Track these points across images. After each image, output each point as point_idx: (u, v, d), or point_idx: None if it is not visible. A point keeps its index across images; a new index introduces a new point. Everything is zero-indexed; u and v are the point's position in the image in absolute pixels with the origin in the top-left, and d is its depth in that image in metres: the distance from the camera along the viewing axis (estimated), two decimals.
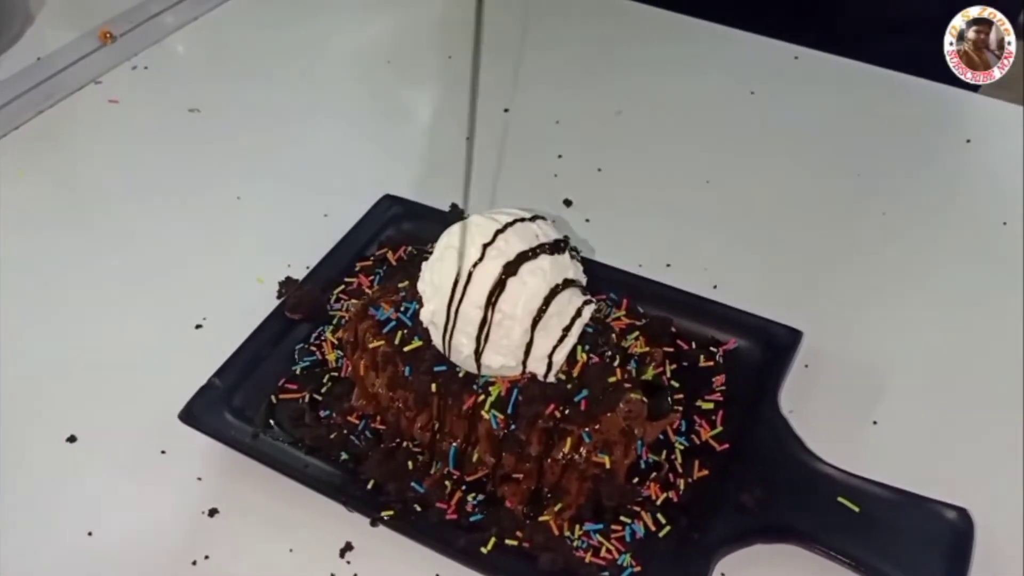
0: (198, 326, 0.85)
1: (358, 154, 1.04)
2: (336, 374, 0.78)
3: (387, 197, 0.92)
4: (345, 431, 0.74)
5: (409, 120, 1.12)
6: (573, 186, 0.98)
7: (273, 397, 0.77)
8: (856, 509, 0.68)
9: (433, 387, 0.69)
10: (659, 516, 0.69)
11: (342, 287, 0.85)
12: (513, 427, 0.67)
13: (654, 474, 0.71)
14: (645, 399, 0.70)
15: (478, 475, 0.71)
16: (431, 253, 0.71)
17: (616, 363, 0.70)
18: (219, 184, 1.00)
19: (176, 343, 0.84)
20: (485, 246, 0.65)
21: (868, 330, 0.84)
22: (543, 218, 0.69)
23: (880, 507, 0.69)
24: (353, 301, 0.83)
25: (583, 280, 0.69)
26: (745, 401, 0.76)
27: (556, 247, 0.67)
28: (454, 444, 0.70)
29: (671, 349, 0.80)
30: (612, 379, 0.68)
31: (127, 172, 1.03)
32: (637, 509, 0.69)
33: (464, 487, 0.71)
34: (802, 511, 0.69)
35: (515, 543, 0.68)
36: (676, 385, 0.77)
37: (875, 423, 0.77)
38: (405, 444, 0.73)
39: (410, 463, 0.72)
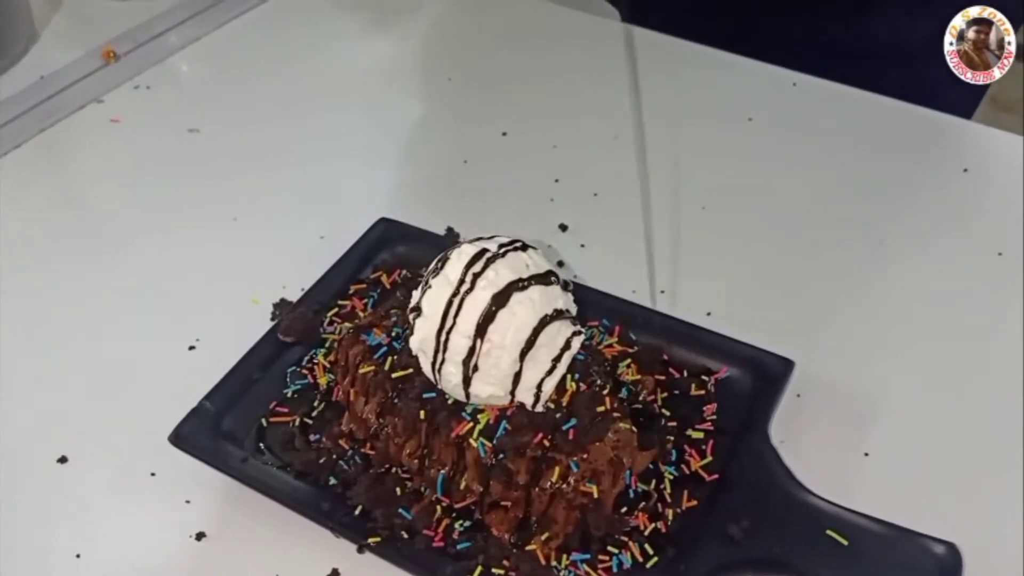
0: (191, 347, 0.86)
1: (355, 176, 1.05)
2: (327, 398, 0.78)
3: (382, 220, 0.92)
4: (334, 456, 0.74)
5: (407, 143, 1.12)
6: (569, 211, 0.98)
7: (264, 420, 0.77)
8: (844, 542, 0.68)
9: (422, 414, 0.69)
10: (646, 547, 0.69)
11: (336, 310, 0.85)
12: (501, 456, 0.67)
13: (642, 504, 0.71)
14: (634, 428, 0.70)
15: (466, 502, 0.71)
16: (424, 277, 0.71)
17: (606, 391, 0.70)
18: (216, 204, 1.00)
19: (170, 364, 0.84)
20: (476, 276, 0.65)
21: (862, 359, 0.83)
22: (534, 248, 0.69)
23: (868, 540, 0.68)
24: (346, 324, 0.83)
25: (573, 310, 0.69)
26: (735, 430, 0.76)
27: (546, 278, 0.67)
28: (442, 471, 0.70)
29: (663, 377, 0.79)
30: (601, 408, 0.68)
31: (126, 191, 1.03)
32: (625, 539, 0.69)
33: (452, 514, 0.70)
34: (790, 543, 0.68)
35: (501, 572, 0.67)
36: (667, 413, 0.77)
37: (866, 454, 0.76)
38: (394, 470, 0.73)
39: (398, 489, 0.72)
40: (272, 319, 0.86)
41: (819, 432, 0.77)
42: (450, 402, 0.69)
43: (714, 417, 0.77)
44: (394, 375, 0.70)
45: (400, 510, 0.70)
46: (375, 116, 1.15)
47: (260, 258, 0.94)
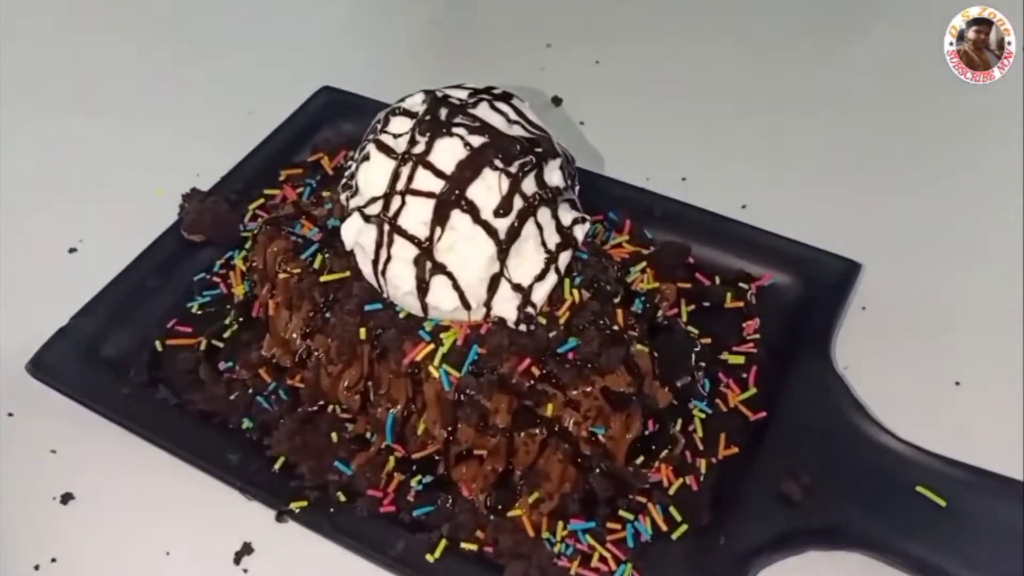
0: (72, 249, 0.66)
1: (294, 36, 0.84)
2: (244, 313, 0.59)
3: (325, 89, 0.72)
4: (251, 390, 0.55)
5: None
6: (564, 82, 0.78)
7: (158, 344, 0.58)
8: (941, 503, 0.50)
9: (362, 333, 0.50)
10: (672, 510, 0.50)
11: (261, 201, 0.65)
12: (471, 391, 0.48)
13: (665, 452, 0.52)
14: (654, 352, 0.51)
15: (426, 452, 0.52)
16: (361, 143, 0.51)
17: (617, 302, 0.51)
18: (117, 76, 0.80)
19: (42, 270, 0.65)
20: (433, 135, 0.45)
21: (943, 265, 0.64)
22: (518, 98, 0.48)
23: (972, 498, 0.51)
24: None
25: (574, 191, 0.49)
26: (786, 354, 0.57)
27: (537, 143, 0.47)
28: (392, 410, 0.51)
29: (688, 285, 0.61)
30: (613, 325, 0.49)
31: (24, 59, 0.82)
32: (642, 501, 0.51)
33: (408, 469, 0.52)
34: (866, 505, 0.50)
35: (474, 547, 0.49)
36: (694, 332, 0.58)
37: (957, 383, 0.58)
38: (329, 409, 0.54)
39: (334, 435, 0.53)
40: (180, 215, 0.66)
41: (895, 356, 0.59)
42: (401, 316, 0.50)
43: (757, 336, 0.59)
44: (323, 279, 0.51)
45: (336, 463, 0.52)
46: None
47: (170, 141, 0.74)
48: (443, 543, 0.49)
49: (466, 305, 0.47)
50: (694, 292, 0.61)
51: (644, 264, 0.60)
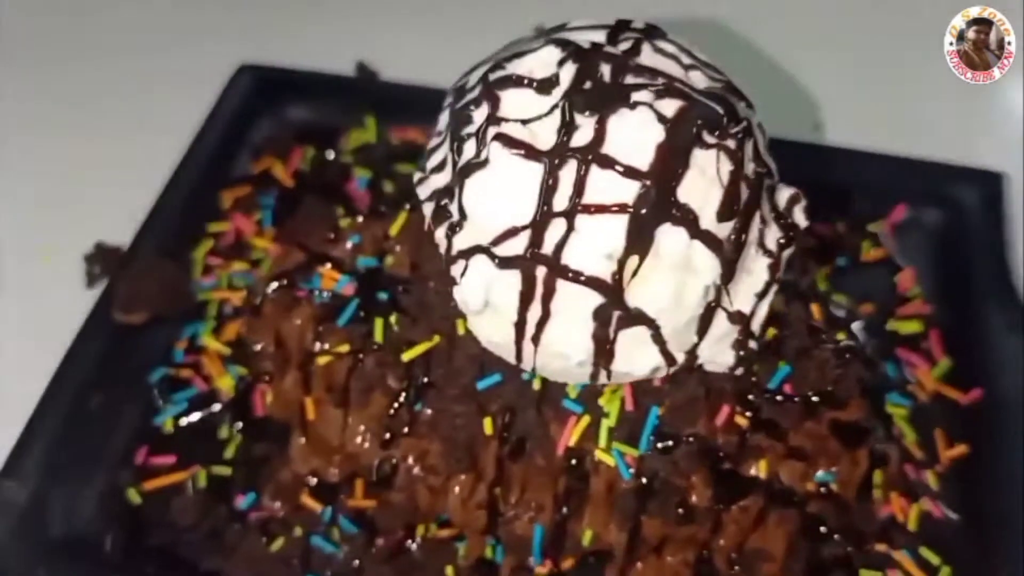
0: None
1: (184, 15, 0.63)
2: (242, 415, 0.41)
3: (246, 69, 0.52)
4: (298, 529, 0.37)
5: None
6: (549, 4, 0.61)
7: (132, 493, 0.39)
8: None
9: (487, 425, 0.33)
10: (924, 552, 0.37)
11: (209, 244, 0.46)
12: (662, 472, 0.33)
13: (878, 474, 0.39)
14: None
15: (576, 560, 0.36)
16: (441, 139, 0.33)
17: (814, 301, 0.36)
18: None
19: None
20: (603, 109, 0.28)
21: None
22: (660, 31, 0.32)
23: None
24: (235, 266, 0.45)
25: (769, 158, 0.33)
26: (966, 305, 0.44)
27: (735, 93, 0.30)
28: (538, 522, 0.35)
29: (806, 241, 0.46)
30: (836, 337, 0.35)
31: None
32: (882, 550, 0.37)
33: None
34: None
35: None
36: (843, 302, 0.44)
37: None
38: (426, 531, 0.37)
39: (450, 569, 0.36)
40: (89, 284, 0.46)
41: None
42: (535, 388, 0.33)
43: (918, 291, 0.45)
44: (406, 357, 0.33)
45: None
46: None
47: (38, 182, 0.53)
48: None
49: (671, 361, 0.31)
50: (821, 249, 0.46)
51: None
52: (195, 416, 0.42)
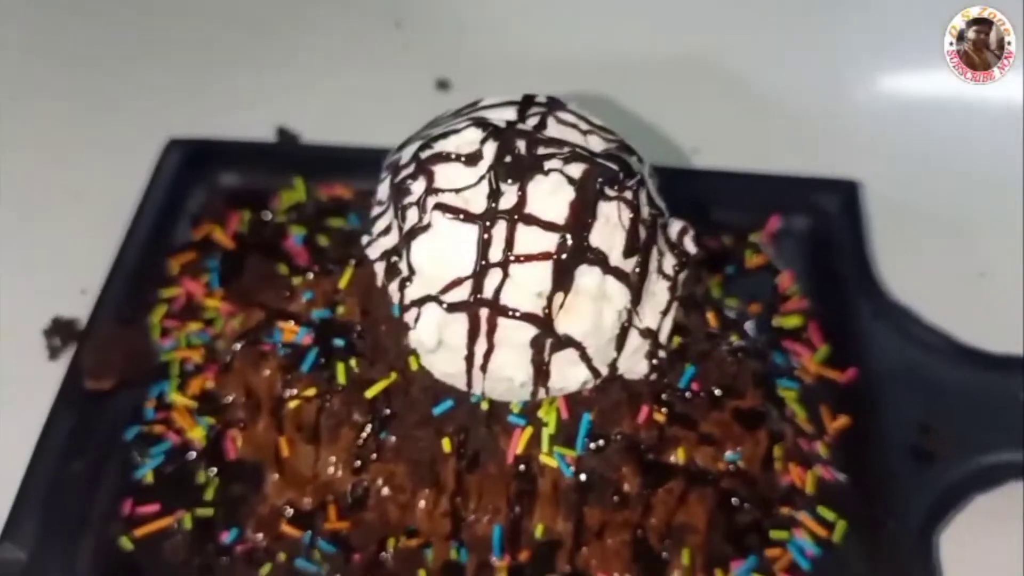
0: None
1: (112, 93, 0.65)
2: (216, 462, 0.45)
3: (174, 144, 0.56)
4: (282, 555, 0.42)
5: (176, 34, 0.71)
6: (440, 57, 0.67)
7: (125, 541, 0.42)
8: None
9: (446, 444, 0.38)
10: (822, 511, 0.44)
11: (163, 309, 0.50)
12: (598, 468, 0.39)
13: (777, 448, 0.46)
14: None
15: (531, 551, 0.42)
16: (380, 210, 0.38)
17: (709, 308, 0.43)
18: None
19: None
20: (523, 177, 0.34)
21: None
22: (563, 101, 0.38)
23: None
24: (192, 327, 0.49)
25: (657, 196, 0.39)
26: (835, 299, 0.52)
27: (628, 150, 0.37)
28: (496, 523, 0.40)
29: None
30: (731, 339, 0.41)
31: None
32: (787, 513, 0.44)
33: None
34: (999, 429, 0.47)
35: None
36: (734, 305, 0.51)
37: (981, 275, 0.56)
38: (396, 543, 0.42)
39: (422, 573, 0.41)
40: (51, 356, 0.50)
41: (932, 264, 0.55)
42: (483, 408, 0.39)
43: (795, 289, 0.53)
44: (369, 394, 0.38)
45: None
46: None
47: None
48: None
49: (597, 374, 0.37)
50: (711, 261, 0.53)
51: None
52: (171, 468, 0.46)
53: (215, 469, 0.45)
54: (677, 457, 0.41)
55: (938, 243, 0.57)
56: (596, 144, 0.36)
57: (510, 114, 0.36)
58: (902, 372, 0.49)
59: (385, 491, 0.40)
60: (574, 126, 0.36)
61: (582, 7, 0.69)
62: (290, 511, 0.43)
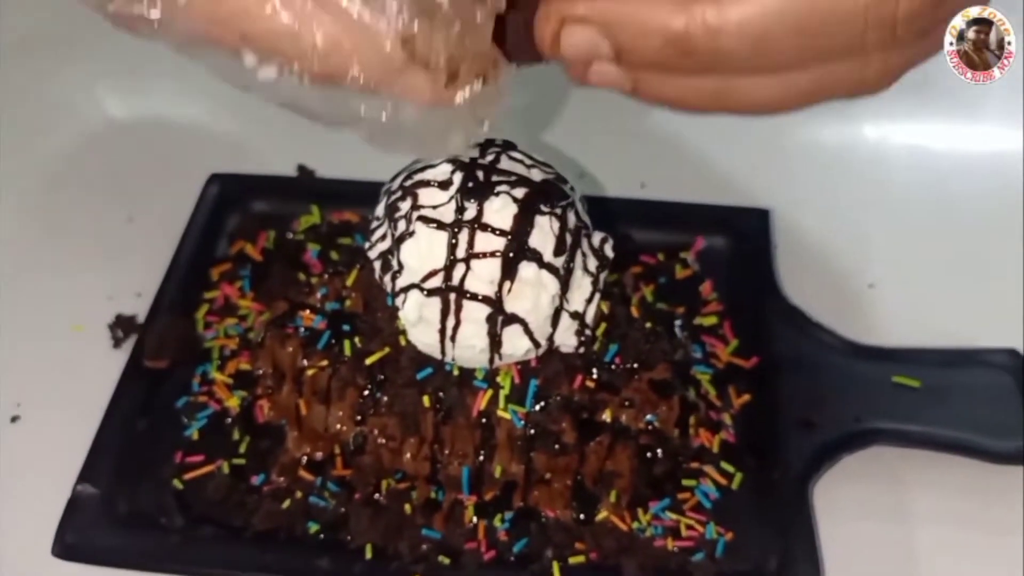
0: (14, 417, 0.60)
1: (163, 136, 0.78)
2: (248, 424, 0.57)
3: (215, 178, 0.69)
4: (299, 493, 0.54)
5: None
6: None
7: (176, 482, 0.54)
8: (915, 384, 0.59)
9: (426, 400, 0.51)
10: (724, 465, 0.56)
11: (206, 307, 0.62)
12: (542, 421, 0.51)
13: (692, 417, 0.58)
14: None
15: (494, 492, 0.54)
16: (379, 223, 0.51)
17: (633, 303, 0.55)
18: None
19: None
20: (481, 198, 0.47)
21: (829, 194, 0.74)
22: (512, 144, 0.51)
23: (936, 374, 0.60)
24: (228, 323, 0.61)
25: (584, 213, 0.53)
26: (745, 303, 0.64)
27: (560, 179, 0.50)
28: (465, 464, 0.53)
29: (638, 268, 0.66)
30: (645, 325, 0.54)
31: None
32: (696, 467, 0.56)
33: (487, 512, 0.54)
34: (867, 407, 0.59)
35: (582, 559, 0.52)
36: (664, 308, 0.64)
37: (871, 286, 0.68)
38: (384, 485, 0.54)
39: (407, 507, 0.53)
40: (115, 345, 0.62)
41: (823, 277, 0.68)
42: (455, 374, 0.51)
43: (715, 296, 0.65)
44: (369, 362, 0.51)
45: (423, 531, 0.52)
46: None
47: (58, 269, 0.68)
48: (556, 565, 0.51)
49: (536, 345, 0.49)
50: (648, 272, 0.66)
51: None
52: (212, 429, 0.58)
53: (247, 429, 0.57)
54: (606, 416, 0.53)
55: (834, 259, 0.69)
56: (537, 175, 0.49)
57: (474, 153, 0.49)
58: (795, 360, 0.61)
59: (380, 439, 0.53)
60: (521, 161, 0.49)
61: None
62: (306, 460, 0.55)
